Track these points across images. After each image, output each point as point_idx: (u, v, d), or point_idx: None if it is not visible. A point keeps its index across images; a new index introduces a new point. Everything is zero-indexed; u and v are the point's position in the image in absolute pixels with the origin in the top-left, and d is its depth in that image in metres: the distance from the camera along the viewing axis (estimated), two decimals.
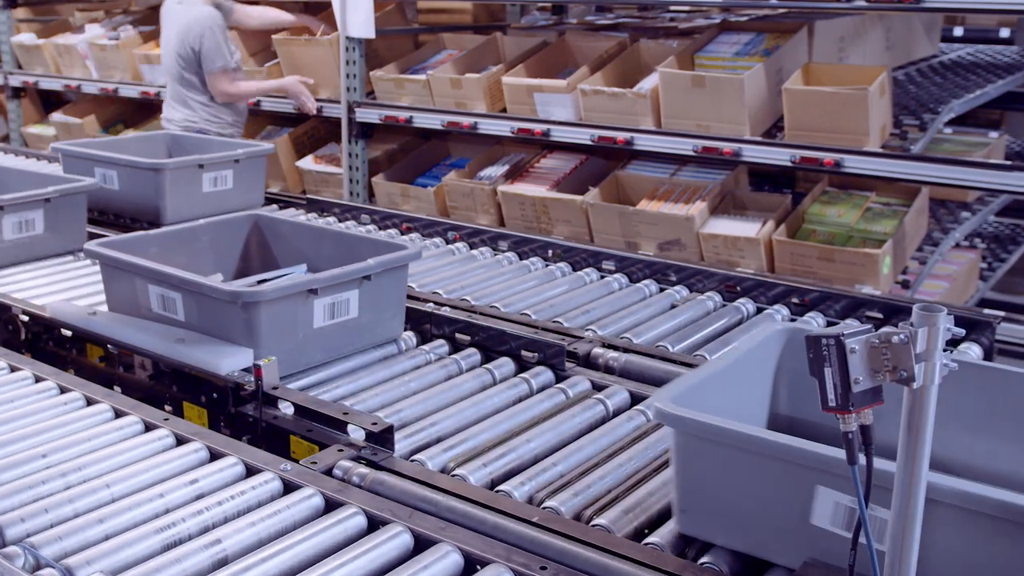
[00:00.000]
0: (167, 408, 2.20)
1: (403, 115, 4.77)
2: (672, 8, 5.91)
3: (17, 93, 6.72)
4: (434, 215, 4.69)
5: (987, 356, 2.38)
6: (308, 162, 5.27)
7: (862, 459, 1.21)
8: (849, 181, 4.22)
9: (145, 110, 6.40)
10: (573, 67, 4.57)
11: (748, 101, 3.84)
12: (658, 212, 4.10)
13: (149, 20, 6.39)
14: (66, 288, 2.69)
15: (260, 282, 2.38)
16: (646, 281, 2.82)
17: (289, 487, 1.65)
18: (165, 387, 2.16)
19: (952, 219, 4.41)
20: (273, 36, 5.22)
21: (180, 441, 1.80)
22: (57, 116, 6.43)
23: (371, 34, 4.76)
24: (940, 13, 5.05)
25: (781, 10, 4.58)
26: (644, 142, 4.12)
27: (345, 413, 1.86)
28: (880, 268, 3.66)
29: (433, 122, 4.70)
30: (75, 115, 6.37)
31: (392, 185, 4.92)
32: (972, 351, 2.36)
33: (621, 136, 4.15)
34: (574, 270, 2.96)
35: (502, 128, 4.49)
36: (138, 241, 2.44)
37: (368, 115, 4.90)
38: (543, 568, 1.41)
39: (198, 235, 2.57)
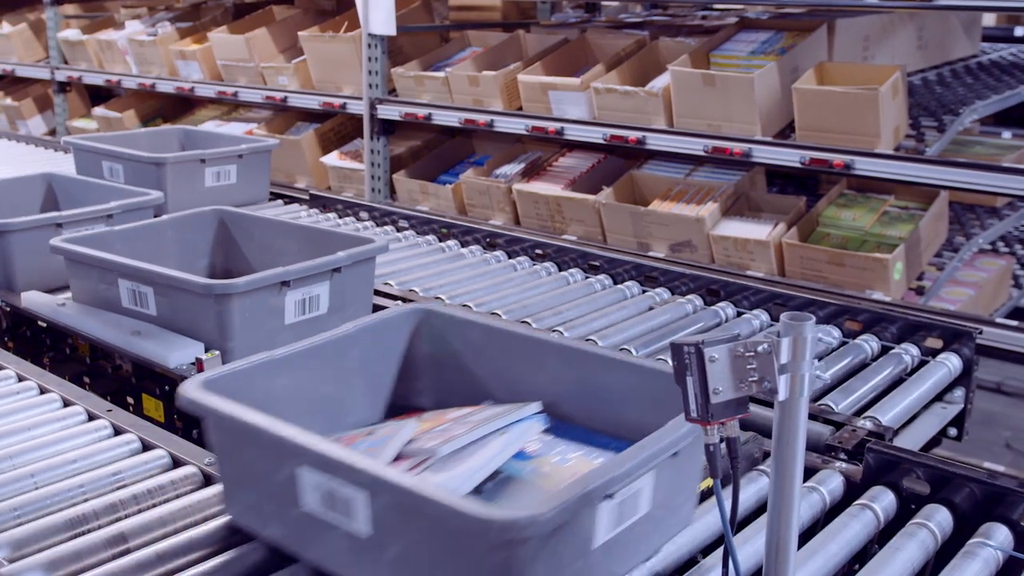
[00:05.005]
0: (129, 400, 2.24)
1: (422, 112, 4.79)
2: (709, 7, 5.82)
3: (63, 87, 6.90)
4: (452, 212, 4.70)
5: (967, 366, 2.30)
6: (332, 158, 5.31)
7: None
8: (868, 184, 4.11)
9: (183, 105, 6.52)
10: (592, 65, 4.53)
11: (759, 100, 3.77)
12: (669, 213, 4.05)
13: (188, 17, 6.51)
14: None
15: None
16: (629, 283, 2.78)
17: (209, 480, 1.66)
18: (126, 378, 2.20)
19: (978, 224, 4.27)
20: (299, 33, 5.28)
21: (117, 432, 1.82)
22: (99, 110, 6.58)
23: (392, 31, 4.77)
24: (950, 11, 4.88)
25: (799, 8, 4.48)
26: (656, 141, 4.07)
27: None
28: (891, 274, 3.56)
29: (451, 119, 4.70)
30: (116, 109, 6.51)
31: (412, 182, 4.94)
32: (950, 361, 2.28)
33: (633, 135, 4.10)
34: (560, 270, 2.94)
35: (517, 126, 4.48)
36: None
37: (389, 112, 4.93)
38: None
39: None
